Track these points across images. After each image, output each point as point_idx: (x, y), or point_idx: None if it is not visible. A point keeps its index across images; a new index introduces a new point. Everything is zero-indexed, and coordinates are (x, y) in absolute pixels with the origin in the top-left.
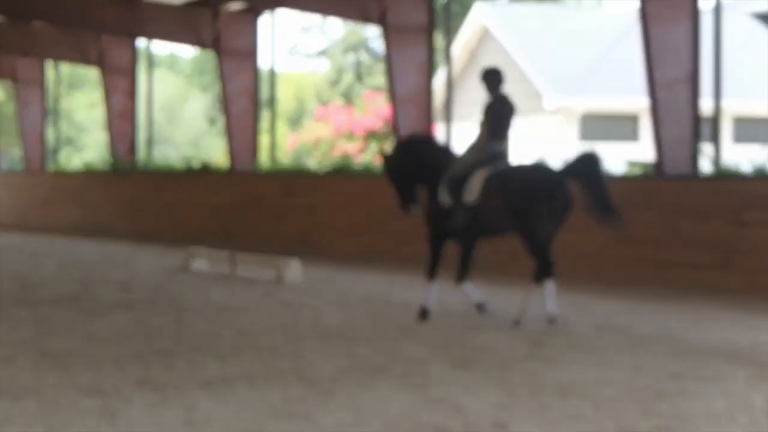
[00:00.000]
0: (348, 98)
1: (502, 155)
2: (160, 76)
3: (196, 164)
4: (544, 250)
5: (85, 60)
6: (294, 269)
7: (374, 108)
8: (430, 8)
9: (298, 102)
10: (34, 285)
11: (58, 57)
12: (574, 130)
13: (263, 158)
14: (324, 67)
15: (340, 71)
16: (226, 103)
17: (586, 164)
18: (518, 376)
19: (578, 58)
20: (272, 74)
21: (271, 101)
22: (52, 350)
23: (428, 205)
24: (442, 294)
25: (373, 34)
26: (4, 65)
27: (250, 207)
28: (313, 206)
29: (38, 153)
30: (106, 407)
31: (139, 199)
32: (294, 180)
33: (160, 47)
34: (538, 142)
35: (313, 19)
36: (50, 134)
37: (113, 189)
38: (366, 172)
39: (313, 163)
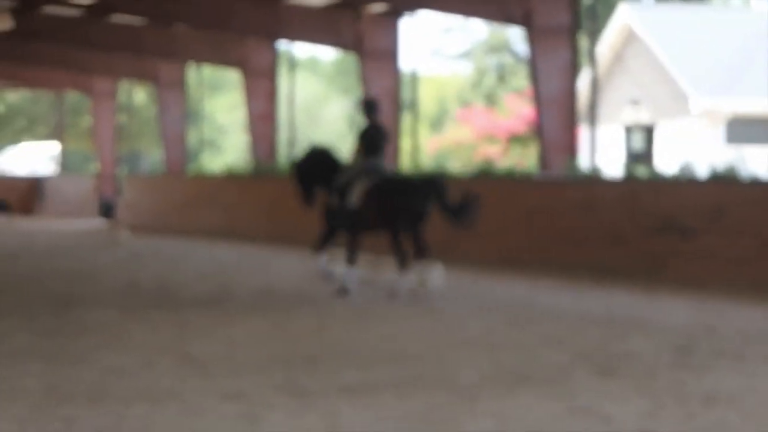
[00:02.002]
0: (490, 100)
1: (378, 169)
2: (301, 78)
3: None
4: (400, 246)
5: (227, 62)
6: (436, 274)
7: (516, 110)
8: (575, 9)
9: (440, 104)
10: (173, 288)
11: (200, 59)
12: (719, 133)
13: (404, 161)
14: (466, 69)
15: (482, 73)
16: None
17: (433, 185)
18: (663, 384)
19: (725, 59)
20: (414, 76)
21: (413, 104)
22: (193, 354)
23: (324, 204)
24: (577, 301)
25: (516, 35)
26: (146, 68)
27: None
28: None
29: (179, 155)
30: (247, 412)
31: (279, 201)
32: None
33: (301, 49)
34: (684, 145)
35: (455, 20)
36: (191, 137)
37: (253, 192)
38: (509, 176)
39: (454, 166)
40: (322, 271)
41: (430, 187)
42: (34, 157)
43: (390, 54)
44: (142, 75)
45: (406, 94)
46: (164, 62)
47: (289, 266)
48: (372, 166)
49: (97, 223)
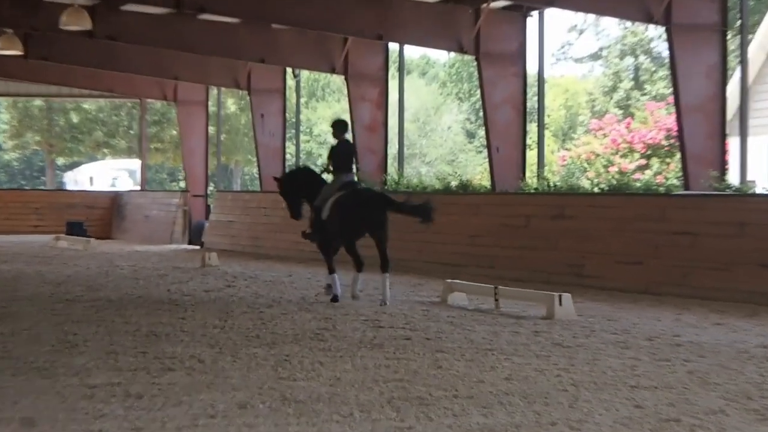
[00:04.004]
0: (625, 108)
1: (350, 184)
2: (412, 83)
3: (452, 183)
4: (355, 251)
5: (329, 67)
6: (566, 304)
7: (656, 119)
8: (723, 4)
9: (569, 112)
10: (271, 320)
11: (299, 64)
12: None
13: (530, 176)
14: (598, 73)
15: (616, 77)
16: (487, 113)
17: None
18: None
19: None
20: (540, 80)
21: (539, 111)
22: (294, 395)
23: (312, 218)
24: (728, 334)
25: (655, 34)
26: (239, 73)
27: (514, 232)
28: (587, 231)
29: (277, 170)
30: None
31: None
32: (565, 201)
33: (413, 51)
34: None
35: (585, 18)
36: (289, 149)
37: None
38: (648, 192)
39: (586, 182)
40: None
41: (381, 198)
42: (113, 173)
43: (514, 55)
44: (235, 81)
45: (531, 100)
46: (260, 67)
47: (400, 295)
48: (345, 182)
49: (184, 246)
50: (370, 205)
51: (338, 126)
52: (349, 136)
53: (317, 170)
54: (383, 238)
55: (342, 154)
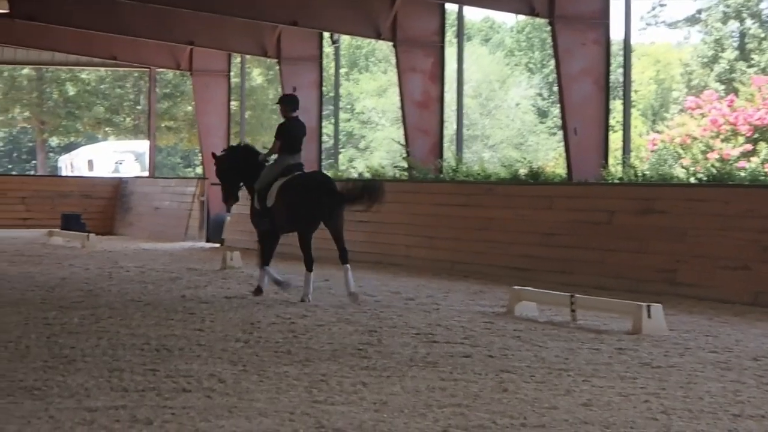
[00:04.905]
0: (728, 82)
1: (297, 167)
2: (473, 51)
3: (521, 171)
4: (308, 247)
5: (374, 32)
6: (656, 316)
7: (764, 96)
8: None
9: (660, 87)
10: (304, 333)
11: (339, 28)
12: None
13: (613, 163)
14: (695, 40)
15: (717, 45)
16: (562, 88)
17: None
18: None
19: None
20: (626, 49)
21: (624, 85)
22: (332, 422)
23: (251, 204)
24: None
25: None
26: (267, 37)
27: (594, 230)
28: (681, 229)
29: (311, 154)
30: None
31: (443, 218)
32: (655, 193)
33: (474, 13)
34: None
35: None
36: (326, 129)
37: (409, 204)
38: (755, 184)
39: (680, 170)
40: (270, 278)
41: (326, 184)
42: (117, 156)
43: (595, 19)
44: (261, 47)
45: (615, 73)
46: (291, 31)
47: (458, 304)
48: (290, 165)
49: (201, 243)
50: (323, 190)
51: (289, 102)
52: (298, 113)
53: (260, 149)
54: (339, 227)
55: (293, 134)
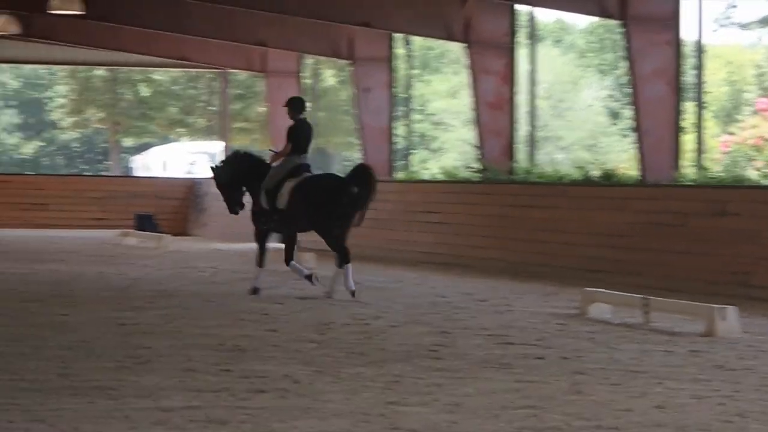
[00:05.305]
0: None
1: (305, 167)
2: (545, 53)
3: (593, 172)
4: (340, 243)
5: (446, 33)
6: (730, 319)
7: None
8: None
9: (733, 88)
10: (378, 334)
11: (410, 29)
12: None
13: (686, 165)
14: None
15: None
16: (635, 89)
17: (361, 173)
18: None
19: None
20: (699, 50)
21: (697, 87)
22: (406, 423)
23: (252, 207)
24: None
25: None
26: (339, 39)
27: (666, 232)
28: (754, 231)
29: (382, 155)
30: None
31: (515, 219)
32: (729, 195)
33: (545, 15)
34: None
35: None
36: (398, 130)
37: (480, 206)
38: None
39: (754, 172)
40: (299, 274)
41: (354, 180)
42: (190, 156)
43: (667, 20)
44: (334, 49)
45: (687, 74)
46: (362, 32)
47: (530, 305)
48: (298, 165)
49: (274, 244)
50: (346, 190)
51: (296, 104)
52: (305, 115)
53: (255, 153)
54: (348, 228)
55: (302, 136)
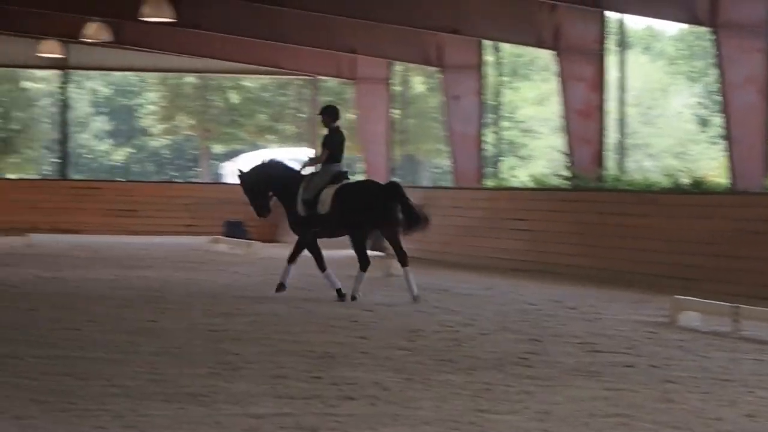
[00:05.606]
0: None
1: (344, 174)
2: (634, 60)
3: (682, 180)
4: (363, 249)
5: (535, 39)
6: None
7: None
8: None
9: None
10: (468, 341)
11: (499, 36)
12: None
13: None
14: None
15: None
16: (725, 96)
17: (393, 189)
18: None
19: None
20: None
21: None
22: (497, 430)
23: (289, 218)
24: None
25: None
26: (428, 46)
27: (757, 239)
28: None
29: (471, 163)
30: None
31: (604, 227)
32: None
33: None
34: None
35: None
36: (487, 137)
37: (569, 213)
38: None
39: None
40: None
41: (391, 190)
42: None
43: (758, 27)
44: (423, 56)
45: None
46: (453, 39)
47: (619, 313)
48: (338, 173)
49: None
50: (388, 195)
51: (331, 113)
52: (339, 123)
53: (288, 162)
54: (397, 231)
55: (338, 144)
